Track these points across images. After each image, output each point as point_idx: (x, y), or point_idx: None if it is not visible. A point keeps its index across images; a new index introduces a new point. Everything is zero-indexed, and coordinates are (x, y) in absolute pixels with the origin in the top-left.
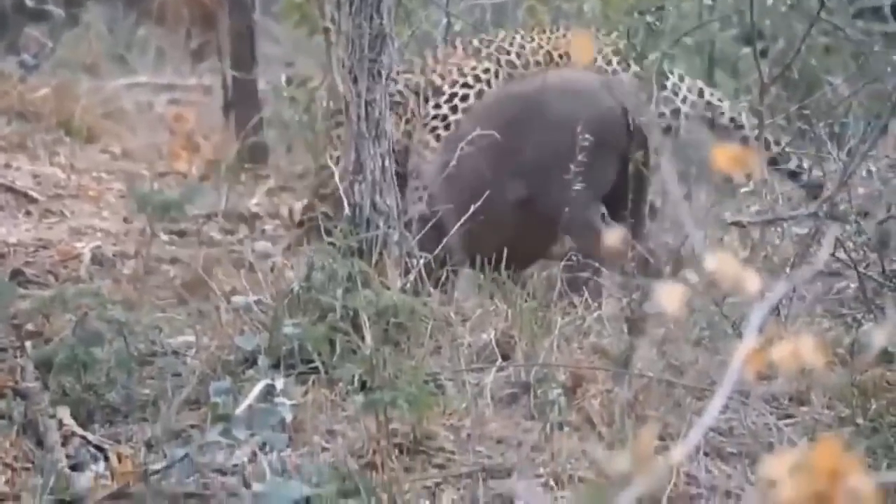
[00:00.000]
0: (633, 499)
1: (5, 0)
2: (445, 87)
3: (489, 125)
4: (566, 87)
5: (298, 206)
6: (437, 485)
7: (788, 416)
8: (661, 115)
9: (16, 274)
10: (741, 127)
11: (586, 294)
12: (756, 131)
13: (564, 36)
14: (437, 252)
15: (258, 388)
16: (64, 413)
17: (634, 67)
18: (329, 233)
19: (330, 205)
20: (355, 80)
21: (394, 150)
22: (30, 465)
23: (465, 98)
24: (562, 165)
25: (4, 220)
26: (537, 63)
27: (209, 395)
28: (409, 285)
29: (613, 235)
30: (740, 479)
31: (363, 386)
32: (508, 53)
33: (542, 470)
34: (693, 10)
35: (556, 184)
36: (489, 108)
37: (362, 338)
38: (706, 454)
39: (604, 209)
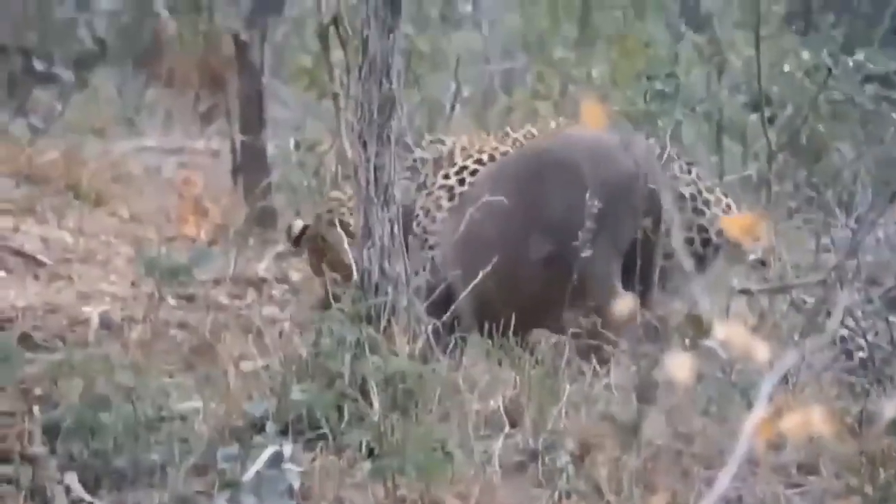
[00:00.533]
0: None
1: (15, 63)
2: (459, 160)
3: (508, 183)
4: (588, 145)
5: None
6: None
7: (797, 486)
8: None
9: (24, 338)
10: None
11: (595, 361)
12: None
13: None
14: (446, 317)
15: (266, 455)
16: (72, 479)
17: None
18: (337, 298)
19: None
20: (364, 145)
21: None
22: None
23: (474, 173)
24: (584, 223)
25: (13, 284)
26: None
27: (217, 461)
28: (417, 351)
29: (623, 302)
30: None
31: (371, 453)
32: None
33: None
34: (702, 75)
35: (580, 241)
36: (508, 166)
37: (370, 404)
38: None
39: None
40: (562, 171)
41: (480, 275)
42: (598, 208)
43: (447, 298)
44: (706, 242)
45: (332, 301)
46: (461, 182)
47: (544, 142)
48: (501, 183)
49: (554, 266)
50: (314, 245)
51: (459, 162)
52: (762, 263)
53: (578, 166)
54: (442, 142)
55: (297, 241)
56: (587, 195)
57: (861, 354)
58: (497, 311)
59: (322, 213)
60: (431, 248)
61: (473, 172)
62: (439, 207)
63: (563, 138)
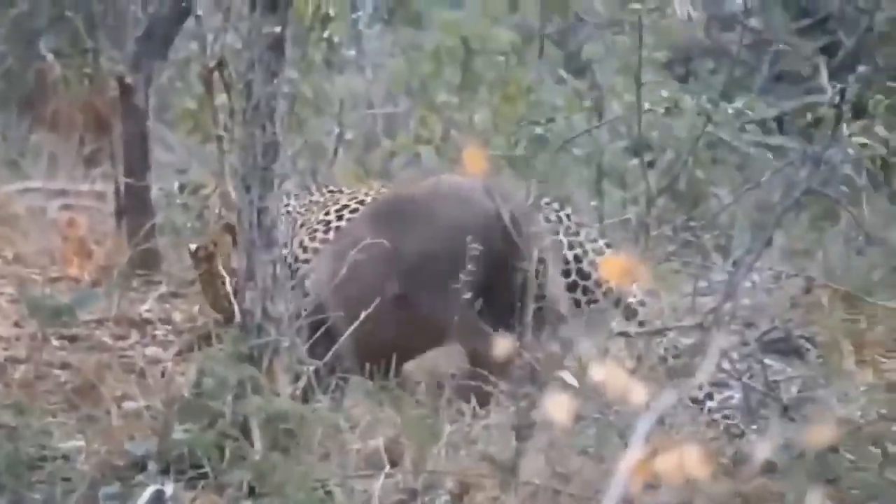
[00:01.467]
0: None
1: None
2: (343, 200)
3: (373, 226)
4: (446, 191)
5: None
6: None
7: None
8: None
9: None
10: None
11: (474, 402)
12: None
13: None
14: (327, 358)
15: (147, 494)
16: None
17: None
18: (220, 339)
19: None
20: (248, 189)
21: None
22: None
23: (354, 211)
24: (435, 266)
25: None
26: None
27: (99, 500)
28: (298, 392)
29: (502, 344)
30: None
31: (252, 492)
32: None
33: None
34: (582, 120)
35: (430, 283)
36: (374, 210)
37: (252, 444)
38: None
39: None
40: (418, 214)
41: (363, 316)
42: (447, 250)
43: (328, 339)
44: (585, 290)
45: (215, 341)
46: (339, 218)
47: (410, 187)
48: (370, 224)
49: (407, 308)
50: (206, 254)
51: (343, 202)
52: (640, 306)
53: (434, 210)
54: (341, 191)
55: (193, 256)
56: (443, 239)
57: (737, 396)
58: (368, 352)
59: (216, 226)
60: (300, 277)
61: (354, 211)
62: (313, 239)
63: (427, 183)
